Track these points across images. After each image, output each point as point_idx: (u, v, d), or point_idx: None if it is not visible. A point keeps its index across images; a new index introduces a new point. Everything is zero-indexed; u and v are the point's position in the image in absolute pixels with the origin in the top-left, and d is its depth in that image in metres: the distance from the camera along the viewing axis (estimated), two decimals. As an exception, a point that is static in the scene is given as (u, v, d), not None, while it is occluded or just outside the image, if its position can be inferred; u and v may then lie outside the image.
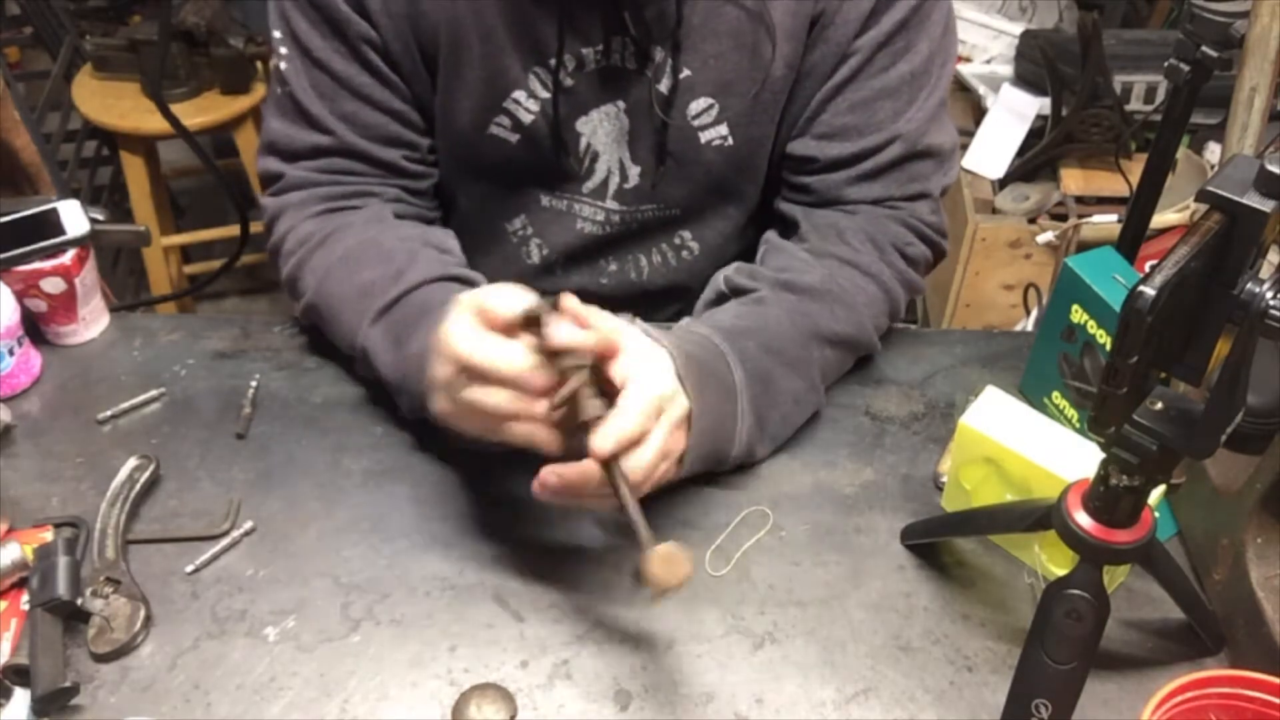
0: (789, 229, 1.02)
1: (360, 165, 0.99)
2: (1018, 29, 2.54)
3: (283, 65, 0.97)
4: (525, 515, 0.89)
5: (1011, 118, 2.37)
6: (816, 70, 0.97)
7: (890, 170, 0.98)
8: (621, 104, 0.99)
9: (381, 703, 0.77)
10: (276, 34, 0.97)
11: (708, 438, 0.83)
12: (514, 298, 0.72)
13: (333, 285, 0.94)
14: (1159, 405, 0.63)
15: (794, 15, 0.94)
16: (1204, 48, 1.29)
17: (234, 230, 2.06)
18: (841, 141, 0.97)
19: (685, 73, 0.96)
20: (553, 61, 0.95)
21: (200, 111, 2.30)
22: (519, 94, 0.97)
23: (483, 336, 0.72)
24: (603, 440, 0.70)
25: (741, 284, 0.92)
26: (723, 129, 0.99)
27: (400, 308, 0.89)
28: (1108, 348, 0.88)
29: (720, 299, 0.94)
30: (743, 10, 0.93)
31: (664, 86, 0.97)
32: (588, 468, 0.72)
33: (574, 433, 0.73)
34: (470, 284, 0.91)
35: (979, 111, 2.46)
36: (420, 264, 0.91)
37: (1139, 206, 1.51)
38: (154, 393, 1.00)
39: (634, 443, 0.73)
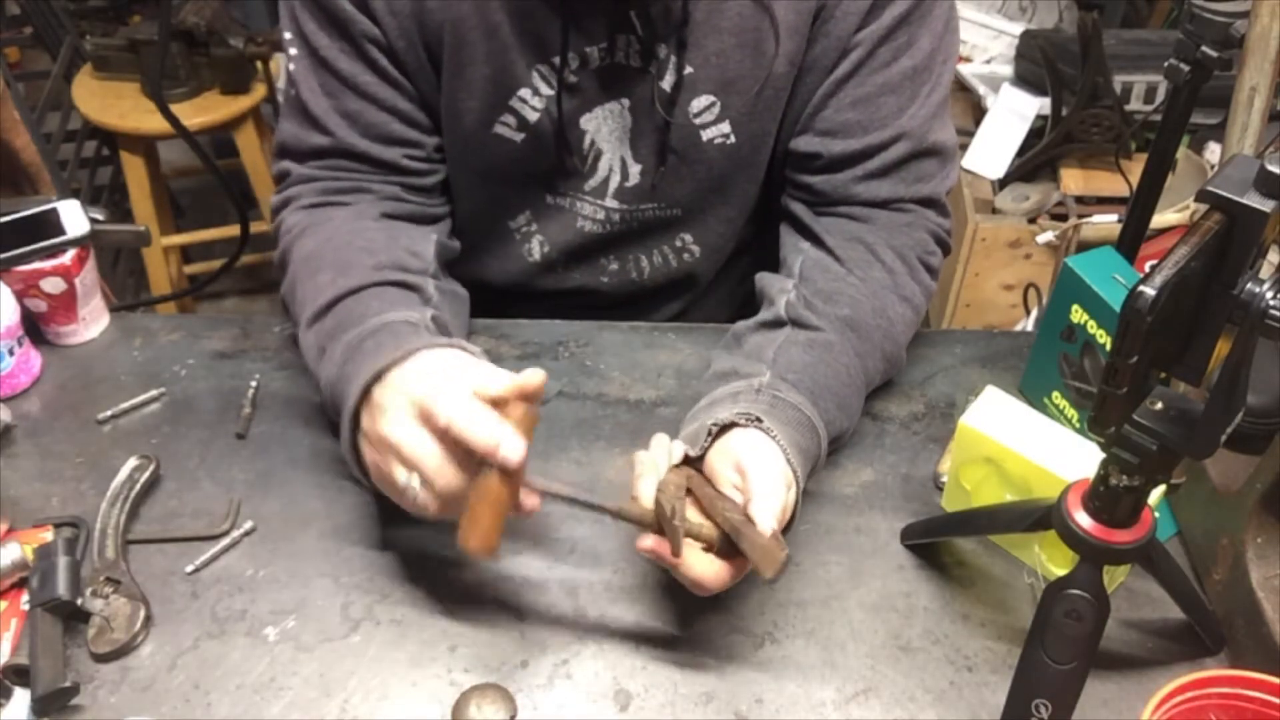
0: (802, 233, 1.01)
1: (360, 165, 0.99)
2: (1018, 29, 2.54)
3: (291, 66, 0.98)
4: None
5: (1011, 118, 2.37)
6: (818, 65, 0.97)
7: (897, 169, 0.98)
8: (625, 101, 0.99)
9: (382, 703, 0.77)
10: (287, 34, 0.97)
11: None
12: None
13: (295, 282, 0.95)
14: (1159, 405, 0.63)
15: (797, 11, 0.94)
16: (1204, 48, 1.28)
17: (234, 230, 2.06)
18: (845, 138, 0.97)
19: (688, 70, 0.96)
20: (557, 59, 0.95)
21: (200, 111, 2.30)
22: (524, 92, 0.97)
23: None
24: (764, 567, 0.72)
25: (805, 319, 0.91)
26: (725, 127, 0.99)
27: (330, 316, 0.89)
28: (1108, 348, 0.88)
29: (776, 322, 0.94)
30: (746, 6, 0.93)
31: (667, 84, 0.97)
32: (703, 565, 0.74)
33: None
34: (407, 287, 0.91)
35: (979, 111, 2.46)
36: (356, 271, 0.91)
37: (1139, 206, 1.51)
38: (154, 393, 1.00)
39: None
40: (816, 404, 0.86)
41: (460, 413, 0.70)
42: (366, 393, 0.78)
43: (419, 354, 0.78)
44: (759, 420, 0.80)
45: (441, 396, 0.72)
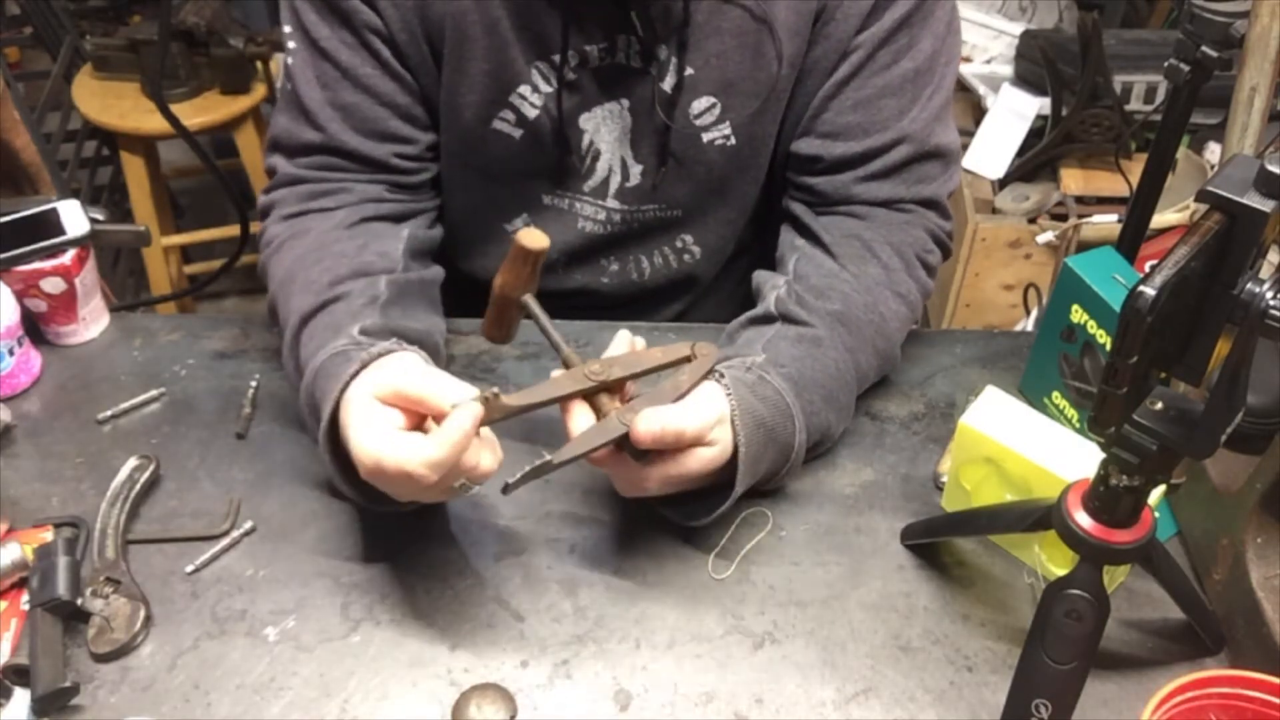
0: (801, 231, 1.01)
1: (347, 163, 0.99)
2: (1018, 29, 2.54)
3: (289, 60, 0.98)
4: (525, 516, 0.90)
5: (1011, 118, 2.37)
6: (818, 67, 0.96)
7: (898, 171, 0.98)
8: (625, 102, 0.99)
9: (381, 703, 0.77)
10: (286, 28, 0.97)
11: (750, 483, 0.85)
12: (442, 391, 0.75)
13: (274, 302, 0.95)
14: (1159, 405, 0.63)
15: (797, 13, 0.94)
16: (1204, 48, 1.28)
17: (234, 230, 2.06)
18: (846, 141, 0.97)
19: (689, 71, 0.96)
20: (556, 57, 0.95)
21: (200, 111, 2.30)
22: (524, 88, 0.97)
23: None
24: (647, 424, 0.76)
25: (795, 314, 0.91)
26: (725, 128, 0.99)
27: (291, 353, 0.90)
28: (1108, 348, 0.88)
29: (766, 317, 0.94)
30: (746, 9, 0.93)
31: (667, 85, 0.97)
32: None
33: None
34: (352, 295, 0.90)
35: (979, 111, 2.46)
36: (313, 291, 0.90)
37: (1139, 206, 1.51)
38: (154, 393, 1.00)
39: (672, 441, 0.77)
40: (800, 395, 0.87)
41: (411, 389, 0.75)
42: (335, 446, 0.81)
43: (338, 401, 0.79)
44: (720, 376, 0.82)
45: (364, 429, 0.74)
